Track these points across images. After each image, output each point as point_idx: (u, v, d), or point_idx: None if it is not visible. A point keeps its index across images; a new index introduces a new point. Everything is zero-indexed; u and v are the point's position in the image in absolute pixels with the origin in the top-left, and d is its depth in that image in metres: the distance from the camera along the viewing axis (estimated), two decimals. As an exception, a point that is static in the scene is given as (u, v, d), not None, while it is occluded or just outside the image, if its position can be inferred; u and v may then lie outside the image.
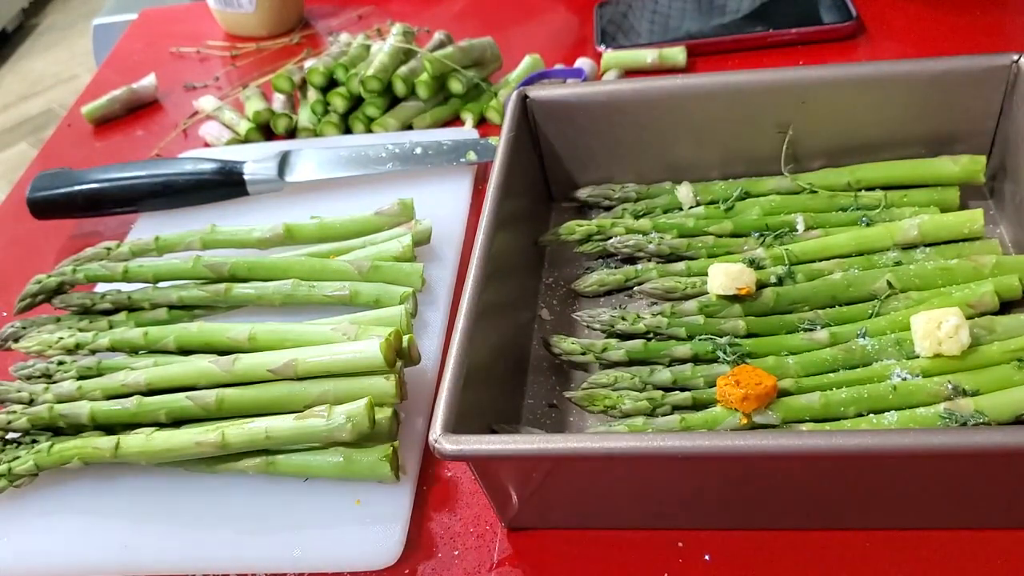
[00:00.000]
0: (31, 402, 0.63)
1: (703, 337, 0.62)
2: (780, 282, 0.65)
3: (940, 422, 0.54)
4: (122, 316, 0.72)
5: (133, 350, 0.67)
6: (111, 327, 0.70)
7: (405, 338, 0.61)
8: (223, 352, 0.64)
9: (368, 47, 0.98)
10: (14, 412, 0.62)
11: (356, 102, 0.94)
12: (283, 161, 0.84)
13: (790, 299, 0.64)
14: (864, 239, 0.66)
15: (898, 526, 0.53)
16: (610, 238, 0.70)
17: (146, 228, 0.84)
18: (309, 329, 0.64)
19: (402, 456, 0.59)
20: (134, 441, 0.60)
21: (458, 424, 0.50)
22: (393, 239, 0.73)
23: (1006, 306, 0.62)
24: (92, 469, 0.62)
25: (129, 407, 0.61)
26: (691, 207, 0.72)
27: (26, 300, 0.73)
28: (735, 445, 0.47)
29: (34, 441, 0.62)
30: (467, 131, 0.90)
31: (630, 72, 0.94)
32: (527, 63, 0.96)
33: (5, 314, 0.80)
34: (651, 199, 0.73)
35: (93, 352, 0.67)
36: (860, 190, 0.70)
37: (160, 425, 0.61)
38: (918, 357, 0.58)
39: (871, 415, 0.56)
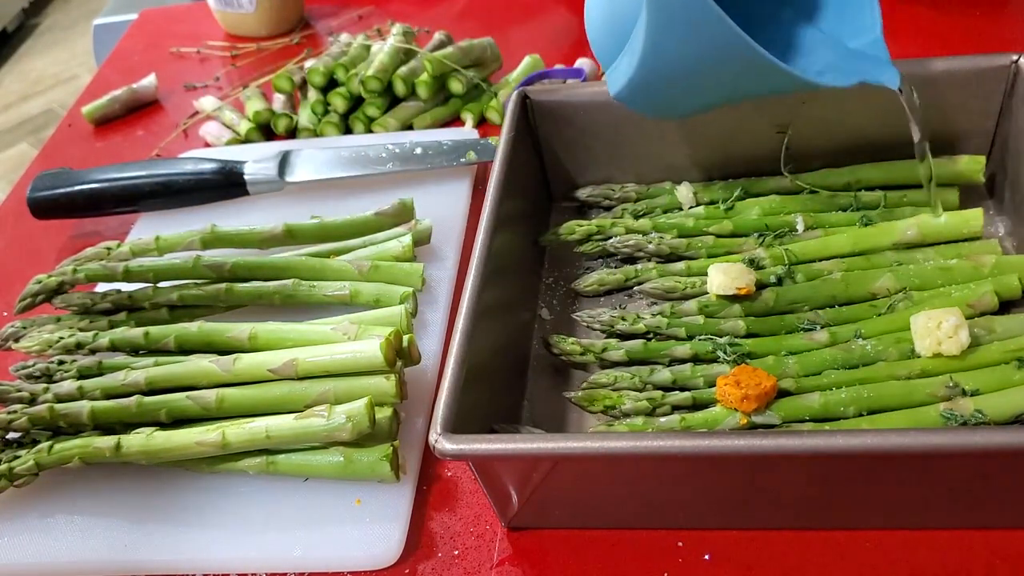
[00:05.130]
0: (32, 402, 0.63)
1: (703, 337, 0.62)
2: (780, 282, 0.65)
3: (940, 422, 0.54)
4: (122, 316, 0.72)
5: (133, 350, 0.67)
6: (111, 327, 0.70)
7: (405, 338, 0.61)
8: (223, 352, 0.64)
9: (368, 47, 0.98)
10: (14, 412, 0.62)
11: (356, 102, 0.94)
12: (283, 161, 0.84)
13: (790, 299, 0.64)
14: (863, 239, 0.66)
15: (898, 526, 0.53)
16: (610, 238, 0.70)
17: (146, 228, 0.84)
18: (309, 329, 0.64)
19: (402, 456, 0.59)
20: (134, 441, 0.60)
21: (458, 424, 0.50)
22: (393, 239, 0.73)
23: (1006, 306, 0.62)
24: (92, 469, 0.62)
25: (129, 407, 0.61)
26: (691, 207, 0.72)
27: (26, 300, 0.73)
28: (735, 445, 0.47)
29: (34, 441, 0.62)
30: (467, 131, 0.90)
31: (630, 72, 0.94)
32: (527, 63, 0.96)
33: (5, 314, 0.80)
34: (651, 199, 0.73)
35: (93, 352, 0.67)
36: (860, 190, 0.70)
37: (160, 425, 0.61)
38: (918, 357, 0.58)
39: (871, 415, 0.56)
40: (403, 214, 0.76)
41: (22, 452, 0.61)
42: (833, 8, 0.64)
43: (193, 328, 0.66)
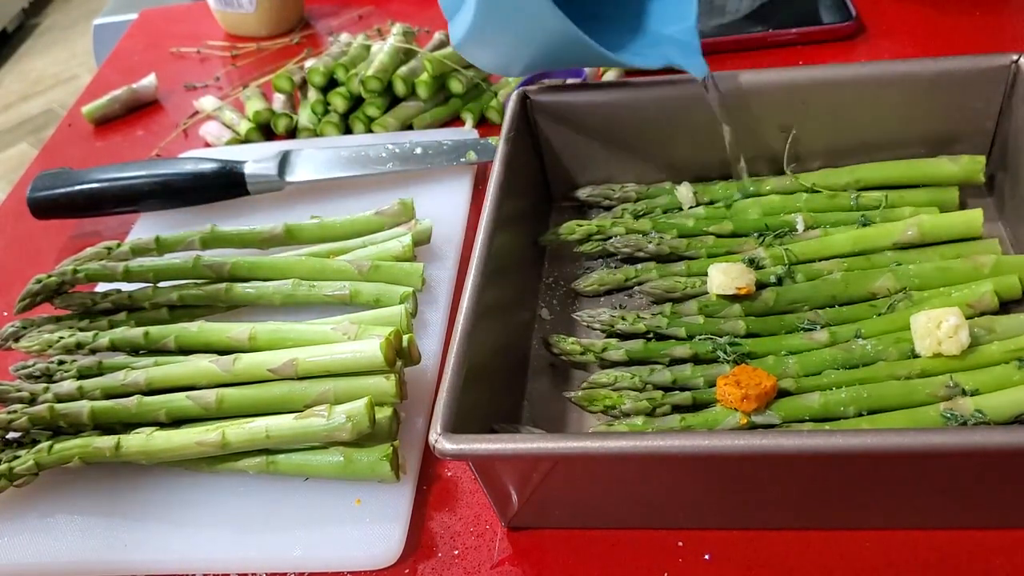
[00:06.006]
0: (32, 401, 0.63)
1: (703, 337, 0.62)
2: (780, 282, 0.65)
3: (940, 422, 0.54)
4: (122, 316, 0.72)
5: (133, 350, 0.67)
6: (111, 327, 0.70)
7: (405, 338, 0.61)
8: (223, 352, 0.64)
9: (368, 47, 0.98)
10: (14, 412, 0.62)
11: (356, 102, 0.94)
12: (283, 161, 0.84)
13: (790, 299, 0.64)
14: (864, 239, 0.66)
15: (898, 526, 0.53)
16: (610, 238, 0.70)
17: (146, 228, 0.84)
18: (309, 329, 0.64)
19: (402, 456, 0.59)
20: (134, 441, 0.60)
21: (458, 424, 0.50)
22: (393, 239, 0.73)
23: (1006, 306, 0.62)
24: (92, 469, 0.62)
25: (129, 407, 0.61)
26: (691, 207, 0.72)
27: (26, 300, 0.73)
28: (735, 445, 0.47)
29: (34, 441, 0.62)
30: (467, 131, 0.90)
31: (630, 72, 0.94)
32: (527, 63, 0.95)
33: (5, 314, 0.80)
34: (651, 199, 0.73)
35: (93, 352, 0.67)
36: (860, 190, 0.70)
37: (160, 425, 0.61)
38: (918, 357, 0.58)
39: (871, 415, 0.56)
40: (403, 214, 0.76)
41: (22, 452, 0.61)
42: None
43: (193, 328, 0.66)
